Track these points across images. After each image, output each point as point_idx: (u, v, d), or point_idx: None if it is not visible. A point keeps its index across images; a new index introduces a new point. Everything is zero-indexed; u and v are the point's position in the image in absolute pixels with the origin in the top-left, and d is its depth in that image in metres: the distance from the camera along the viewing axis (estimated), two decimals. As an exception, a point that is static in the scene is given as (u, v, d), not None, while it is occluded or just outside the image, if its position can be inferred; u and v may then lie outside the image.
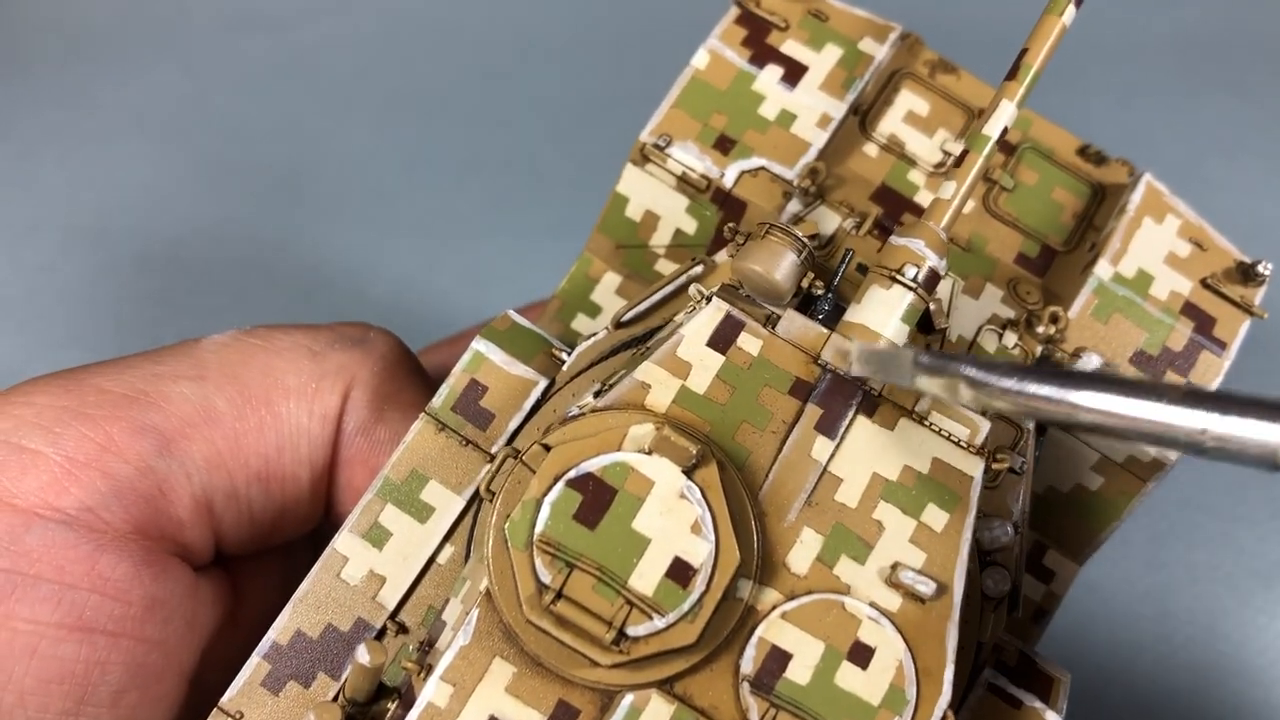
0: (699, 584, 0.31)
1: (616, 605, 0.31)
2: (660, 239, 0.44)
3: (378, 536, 0.37)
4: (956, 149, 0.37)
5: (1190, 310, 0.41)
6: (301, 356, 0.39)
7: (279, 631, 0.36)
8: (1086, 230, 0.43)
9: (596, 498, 0.32)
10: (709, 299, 0.34)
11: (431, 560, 0.37)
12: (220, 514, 0.38)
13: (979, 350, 0.40)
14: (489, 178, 0.73)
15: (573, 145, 0.74)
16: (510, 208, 0.73)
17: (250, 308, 0.69)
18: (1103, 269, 0.41)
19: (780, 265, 0.35)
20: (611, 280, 0.44)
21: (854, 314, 0.35)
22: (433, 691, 0.31)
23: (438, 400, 0.38)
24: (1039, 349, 0.40)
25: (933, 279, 0.35)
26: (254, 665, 0.36)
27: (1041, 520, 0.42)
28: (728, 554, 0.31)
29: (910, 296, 0.34)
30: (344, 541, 0.36)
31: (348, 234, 0.71)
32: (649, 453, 0.32)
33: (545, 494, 0.32)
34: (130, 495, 0.36)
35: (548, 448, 0.32)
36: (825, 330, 0.34)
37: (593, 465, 0.32)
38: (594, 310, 0.44)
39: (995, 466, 0.34)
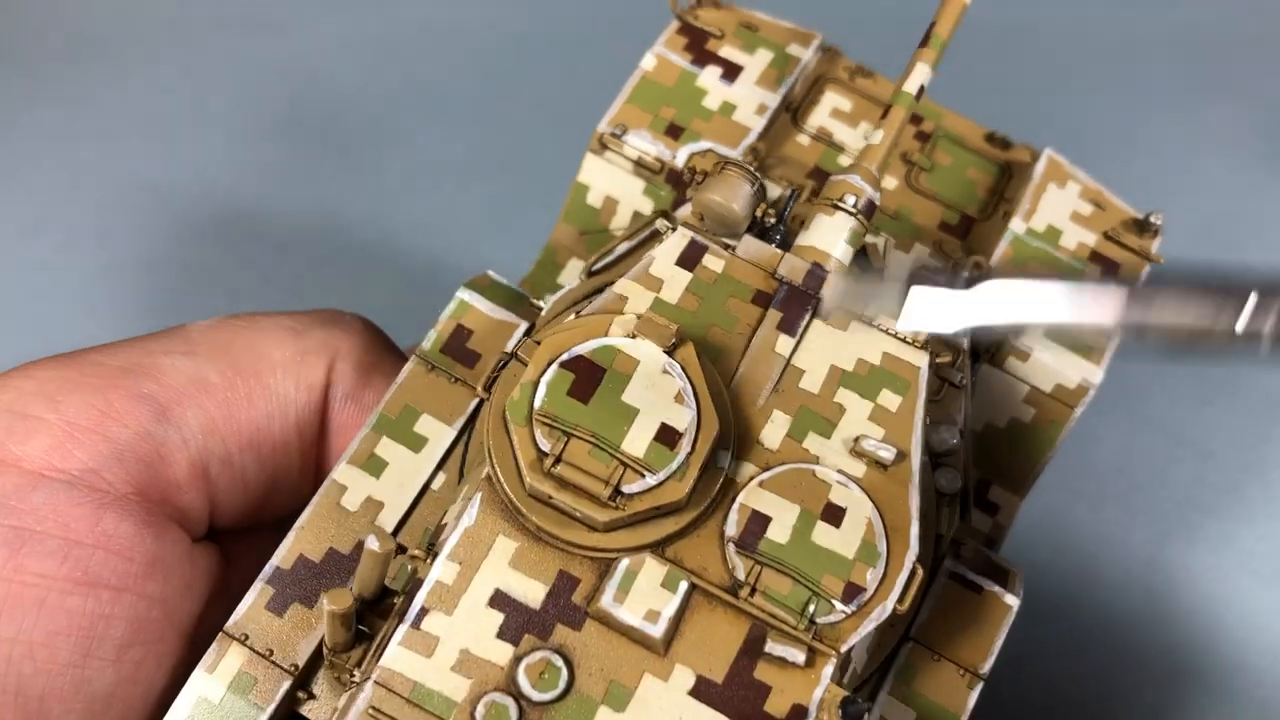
0: (685, 445, 0.34)
1: (611, 466, 0.34)
2: (620, 222, 0.48)
3: (374, 466, 0.39)
4: (877, 138, 0.41)
5: (1096, 258, 0.46)
6: (285, 334, 0.42)
7: (281, 557, 0.38)
8: (999, 202, 0.48)
9: (588, 376, 0.35)
10: (674, 229, 0.39)
11: (426, 486, 0.39)
12: (215, 479, 0.40)
13: None
14: (489, 178, 0.74)
15: (573, 145, 0.74)
16: (510, 207, 0.73)
17: (250, 307, 0.69)
18: (1016, 225, 0.46)
19: (738, 195, 0.39)
20: (576, 265, 0.48)
21: (803, 239, 0.39)
22: (440, 570, 0.34)
23: (427, 343, 0.41)
24: None
25: (870, 207, 0.39)
26: (258, 590, 0.37)
27: (982, 457, 0.45)
28: (709, 419, 0.34)
29: (852, 221, 0.39)
30: (342, 472, 0.39)
31: (348, 234, 0.72)
32: (633, 336, 0.35)
33: (541, 375, 0.35)
34: (130, 458, 0.38)
35: (539, 343, 0.35)
36: (779, 251, 0.38)
37: (583, 349, 0.35)
38: None
39: (939, 360, 0.38)
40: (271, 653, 0.36)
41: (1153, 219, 0.46)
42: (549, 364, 0.35)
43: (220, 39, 0.79)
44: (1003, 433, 0.45)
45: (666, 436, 0.34)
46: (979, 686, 0.38)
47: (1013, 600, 0.40)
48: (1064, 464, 0.65)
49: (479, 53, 0.79)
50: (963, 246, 0.46)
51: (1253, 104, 0.79)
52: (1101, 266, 0.46)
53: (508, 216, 0.73)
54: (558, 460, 0.33)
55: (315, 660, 0.37)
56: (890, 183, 0.47)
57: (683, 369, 0.35)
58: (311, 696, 0.37)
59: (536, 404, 0.34)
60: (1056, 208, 0.46)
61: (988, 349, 0.44)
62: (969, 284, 0.39)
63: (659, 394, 0.34)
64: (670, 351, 0.35)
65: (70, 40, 0.78)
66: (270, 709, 0.36)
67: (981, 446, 0.45)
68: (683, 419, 0.34)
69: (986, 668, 0.39)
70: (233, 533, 0.42)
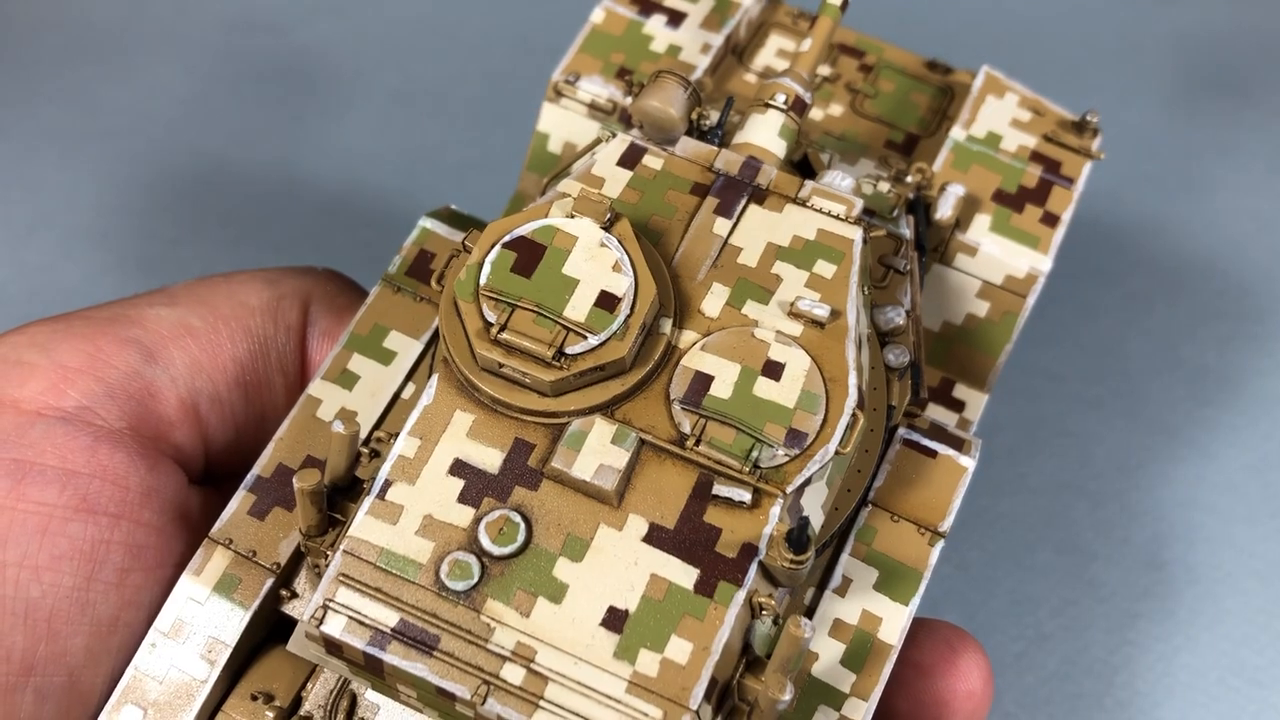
0: (624, 309, 0.36)
1: (554, 331, 0.36)
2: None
3: (347, 380, 0.41)
4: (806, 45, 0.44)
5: (1038, 157, 0.48)
6: (260, 284, 0.45)
7: (261, 467, 0.40)
8: (942, 120, 0.50)
9: (529, 254, 0.37)
10: (615, 135, 0.41)
11: (397, 396, 0.41)
12: (206, 417, 0.43)
13: (859, 193, 0.45)
14: (488, 176, 0.73)
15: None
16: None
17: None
18: (956, 132, 0.48)
19: (673, 99, 0.41)
20: None
21: (739, 137, 0.42)
22: (402, 445, 0.36)
23: (392, 268, 0.43)
24: (910, 194, 0.46)
25: (800, 104, 0.42)
26: (240, 498, 0.40)
27: (944, 356, 0.47)
28: (646, 284, 0.37)
29: (784, 117, 0.42)
30: (317, 386, 0.41)
31: (348, 234, 0.72)
32: (572, 216, 0.38)
33: (485, 256, 0.37)
34: (122, 395, 0.41)
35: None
36: (716, 148, 0.41)
37: (524, 230, 0.38)
38: None
39: (873, 234, 0.41)
40: (254, 554, 0.39)
41: (1090, 118, 0.48)
42: (493, 246, 0.37)
43: (220, 39, 0.79)
44: (961, 330, 0.47)
45: (606, 302, 0.36)
46: (940, 544, 0.40)
47: (967, 462, 0.41)
48: (1064, 464, 0.66)
49: (479, 52, 0.79)
50: (907, 161, 0.49)
51: (1252, 104, 0.79)
52: (1043, 164, 0.47)
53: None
54: (503, 328, 0.36)
55: (297, 561, 0.39)
56: (836, 109, 0.50)
57: (619, 242, 0.37)
58: (294, 595, 0.39)
59: (482, 281, 0.36)
60: (996, 116, 0.49)
61: (935, 247, 0.46)
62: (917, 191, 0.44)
63: (598, 265, 0.37)
64: (607, 227, 0.37)
65: (70, 40, 0.79)
66: (254, 605, 0.38)
67: (943, 345, 0.47)
68: (621, 285, 0.36)
69: (945, 525, 0.40)
70: (231, 480, 0.44)
